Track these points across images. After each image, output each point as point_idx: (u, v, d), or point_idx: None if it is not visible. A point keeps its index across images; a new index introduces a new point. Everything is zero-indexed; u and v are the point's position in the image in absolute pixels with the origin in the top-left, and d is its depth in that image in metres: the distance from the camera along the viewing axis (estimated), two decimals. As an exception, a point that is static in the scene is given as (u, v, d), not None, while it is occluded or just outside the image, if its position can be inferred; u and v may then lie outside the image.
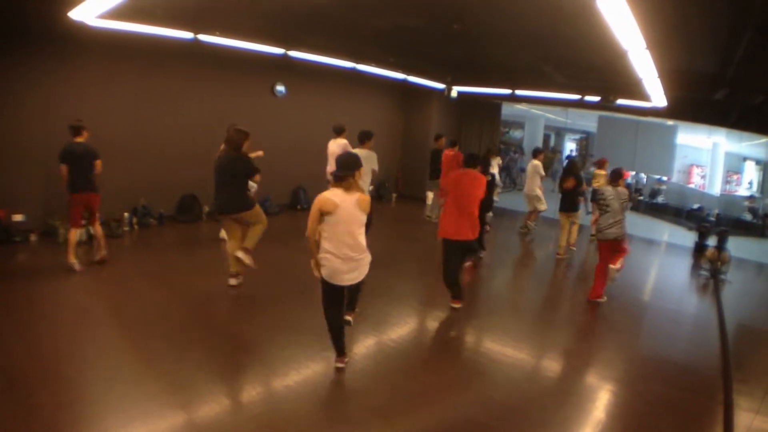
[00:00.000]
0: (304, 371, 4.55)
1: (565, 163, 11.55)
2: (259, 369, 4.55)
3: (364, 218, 4.28)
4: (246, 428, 3.65)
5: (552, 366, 5.32)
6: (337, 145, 8.22)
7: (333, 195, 4.16)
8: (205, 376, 4.29)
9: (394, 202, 13.91)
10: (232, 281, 6.48)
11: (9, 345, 4.52)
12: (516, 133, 22.94)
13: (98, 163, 6.54)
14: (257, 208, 6.37)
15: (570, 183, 9.25)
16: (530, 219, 11.40)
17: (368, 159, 7.65)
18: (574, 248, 9.89)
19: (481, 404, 4.30)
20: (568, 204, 9.38)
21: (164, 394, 3.96)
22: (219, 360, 4.63)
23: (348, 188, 4.20)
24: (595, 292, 7.00)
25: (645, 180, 19.19)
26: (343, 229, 4.18)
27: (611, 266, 6.78)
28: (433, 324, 6.14)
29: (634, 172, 18.58)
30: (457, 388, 4.56)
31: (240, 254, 6.19)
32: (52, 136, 7.42)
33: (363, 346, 5.15)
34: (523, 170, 21.23)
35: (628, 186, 10.68)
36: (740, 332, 6.88)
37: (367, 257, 4.40)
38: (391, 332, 5.58)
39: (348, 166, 4.21)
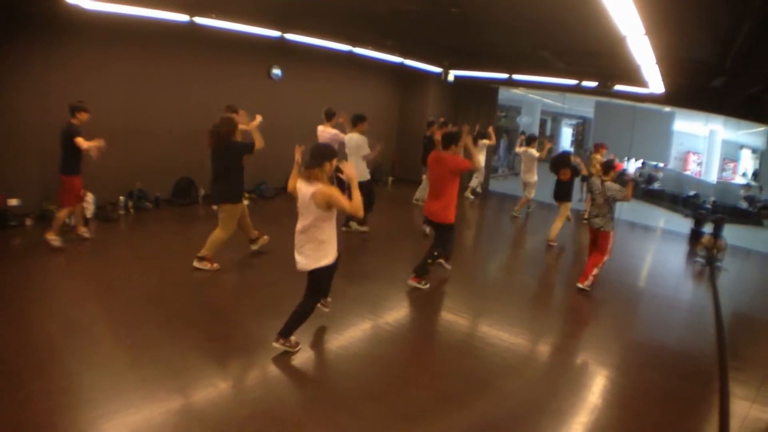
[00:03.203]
0: (299, 355, 4.55)
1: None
2: (254, 353, 4.55)
3: (319, 211, 4.18)
4: (242, 412, 3.66)
5: (548, 351, 5.35)
6: (327, 134, 8.22)
7: (298, 182, 4.32)
8: (200, 361, 4.30)
9: (390, 186, 13.89)
10: (253, 247, 7.05)
11: (3, 331, 4.50)
12: (526, 119, 22.69)
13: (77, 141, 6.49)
14: (232, 210, 6.39)
15: (566, 175, 9.16)
16: (522, 205, 11.55)
17: (359, 144, 7.70)
18: (554, 244, 9.36)
19: (476, 390, 4.33)
20: (560, 193, 9.45)
21: (160, 379, 3.96)
22: (215, 344, 4.63)
23: (308, 178, 4.20)
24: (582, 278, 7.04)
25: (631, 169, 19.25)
26: (300, 216, 4.32)
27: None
28: (428, 308, 6.14)
29: (626, 159, 18.61)
30: (452, 373, 4.58)
31: (195, 262, 6.36)
32: (47, 121, 7.36)
33: (359, 330, 5.16)
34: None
35: (623, 174, 10.71)
36: (736, 320, 6.92)
37: (316, 252, 4.33)
38: (386, 316, 5.60)
39: (315, 157, 4.20)
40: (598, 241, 6.91)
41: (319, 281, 4.52)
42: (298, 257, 4.40)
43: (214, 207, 6.44)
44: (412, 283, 6.42)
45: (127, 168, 8.54)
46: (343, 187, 5.44)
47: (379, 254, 7.77)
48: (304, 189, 4.22)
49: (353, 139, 7.92)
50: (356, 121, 8.01)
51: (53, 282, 5.77)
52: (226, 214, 6.37)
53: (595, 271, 6.85)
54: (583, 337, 5.79)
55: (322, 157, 4.18)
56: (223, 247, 6.45)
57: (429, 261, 6.42)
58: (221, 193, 6.34)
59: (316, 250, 4.32)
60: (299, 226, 4.32)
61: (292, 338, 4.59)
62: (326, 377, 4.43)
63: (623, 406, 4.33)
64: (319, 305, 4.94)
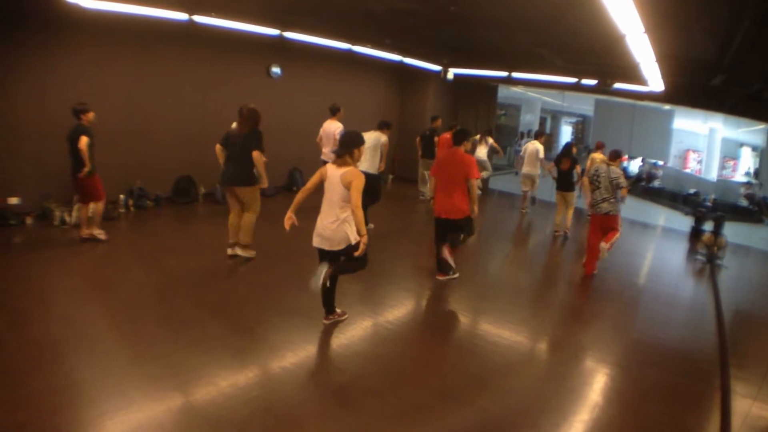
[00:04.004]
0: (300, 353, 4.56)
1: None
2: (255, 351, 4.56)
3: (343, 192, 4.50)
4: (243, 410, 3.66)
5: (548, 349, 5.35)
6: (332, 128, 8.42)
7: (329, 167, 4.68)
8: (201, 359, 4.29)
9: (390, 184, 13.89)
10: (229, 251, 6.77)
11: (3, 329, 4.49)
12: (527, 117, 22.68)
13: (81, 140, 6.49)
14: (257, 191, 6.53)
15: (566, 164, 9.63)
16: (527, 198, 11.65)
17: (383, 144, 8.31)
18: (569, 232, 9.85)
19: (476, 388, 4.32)
20: (564, 184, 9.76)
21: (161, 377, 3.96)
22: (215, 342, 4.62)
23: (341, 165, 4.58)
24: (589, 267, 7.41)
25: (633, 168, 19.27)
26: (326, 197, 4.66)
27: (601, 244, 7.10)
28: (429, 306, 6.16)
29: (627, 157, 18.62)
30: (453, 371, 4.58)
31: (239, 251, 6.67)
32: (46, 120, 7.37)
33: (359, 328, 5.15)
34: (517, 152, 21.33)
35: (624, 170, 10.85)
36: (737, 318, 6.91)
37: (337, 233, 4.60)
38: (387, 314, 5.60)
39: (344, 145, 4.61)
40: (608, 224, 7.14)
41: (355, 256, 4.67)
42: (316, 238, 4.72)
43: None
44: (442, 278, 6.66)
45: (127, 166, 8.53)
46: None
47: (379, 252, 7.74)
48: (333, 171, 4.60)
49: (381, 138, 8.30)
50: (382, 126, 8.46)
51: (53, 280, 5.76)
52: (248, 197, 6.50)
53: (613, 239, 7.11)
54: (584, 334, 5.78)
55: (351, 145, 4.59)
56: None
57: (460, 239, 6.58)
58: (237, 176, 6.41)
59: (338, 230, 4.60)
60: (326, 207, 4.66)
61: (338, 309, 5.15)
62: (327, 375, 4.43)
63: (624, 403, 4.33)
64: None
